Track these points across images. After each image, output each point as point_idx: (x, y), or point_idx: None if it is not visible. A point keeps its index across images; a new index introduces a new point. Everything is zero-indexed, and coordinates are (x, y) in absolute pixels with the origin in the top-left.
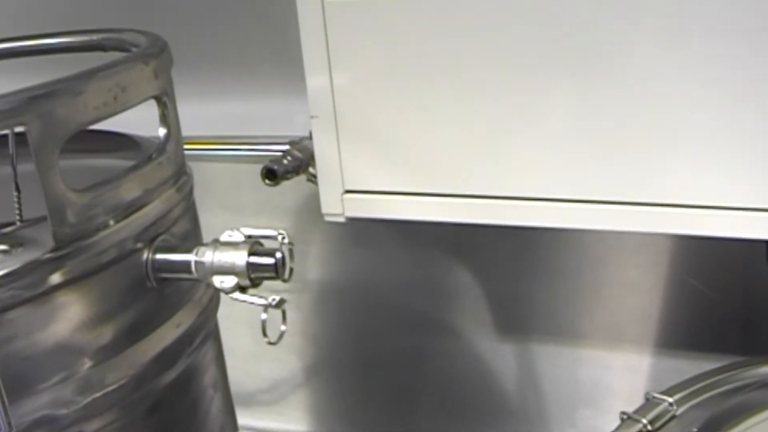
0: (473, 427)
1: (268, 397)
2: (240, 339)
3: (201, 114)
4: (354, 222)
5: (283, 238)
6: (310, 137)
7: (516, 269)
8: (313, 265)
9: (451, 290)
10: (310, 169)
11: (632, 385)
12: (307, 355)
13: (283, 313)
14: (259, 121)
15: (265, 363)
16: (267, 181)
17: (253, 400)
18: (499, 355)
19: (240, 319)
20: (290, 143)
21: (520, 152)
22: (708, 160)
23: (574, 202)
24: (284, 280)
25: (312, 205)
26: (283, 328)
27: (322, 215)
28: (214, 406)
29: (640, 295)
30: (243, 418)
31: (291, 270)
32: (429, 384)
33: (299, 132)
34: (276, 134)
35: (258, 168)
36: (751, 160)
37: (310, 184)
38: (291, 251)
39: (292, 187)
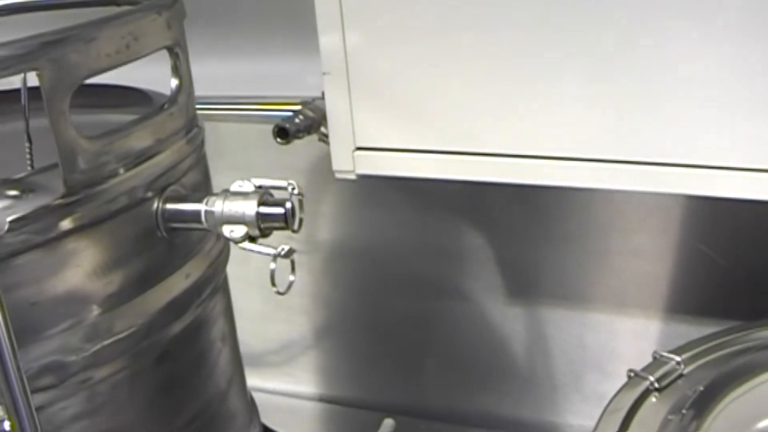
0: (480, 390)
1: (276, 359)
2: (250, 300)
3: (212, 74)
4: (365, 182)
5: (293, 188)
6: (323, 97)
7: (525, 233)
8: (323, 227)
9: (461, 253)
10: (322, 129)
11: (639, 350)
12: (316, 317)
13: (292, 263)
14: (270, 82)
15: (274, 324)
16: (278, 140)
17: (261, 361)
18: (508, 320)
19: (250, 280)
20: (302, 103)
21: (531, 110)
22: (721, 121)
23: (585, 161)
24: (294, 231)
25: (323, 166)
26: (291, 278)
27: (333, 176)
28: (222, 359)
29: (648, 260)
30: (251, 379)
31: (301, 221)
32: (437, 347)
33: (311, 92)
34: (287, 94)
35: (269, 128)
36: (765, 122)
37: (321, 145)
38: (301, 202)
39: (304, 148)
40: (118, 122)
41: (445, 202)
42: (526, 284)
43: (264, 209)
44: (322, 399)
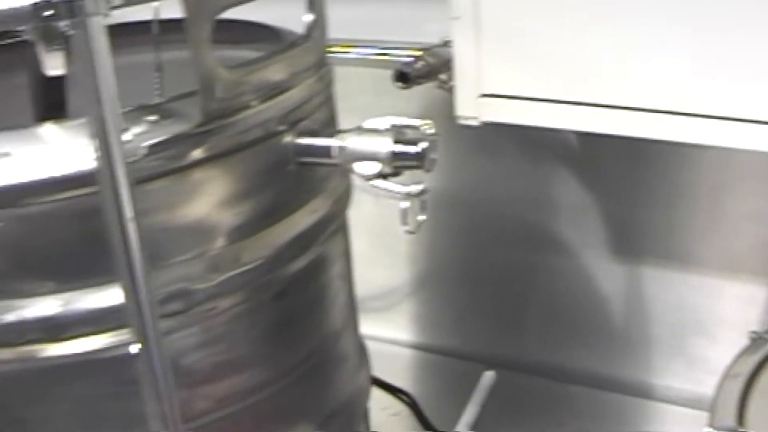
0: (580, 347)
1: (378, 304)
2: (357, 244)
3: (330, 17)
4: (476, 131)
5: (428, 128)
6: (442, 45)
7: (635, 191)
8: (432, 175)
9: (569, 207)
10: (441, 76)
11: (746, 316)
12: (421, 264)
13: (423, 203)
14: (388, 27)
15: (379, 270)
16: (399, 84)
17: (363, 307)
18: (611, 277)
19: (359, 224)
20: (422, 49)
21: (658, 64)
22: None
23: (704, 117)
24: (427, 170)
25: (436, 113)
26: (422, 217)
27: (444, 124)
28: (340, 299)
29: (761, 224)
30: None
31: (434, 161)
32: (539, 301)
33: (429, 39)
34: (405, 40)
35: (385, 73)
36: None
37: (435, 92)
38: (435, 142)
39: (418, 94)
40: (248, 58)
41: (557, 156)
42: (631, 242)
43: (399, 147)
44: (421, 347)
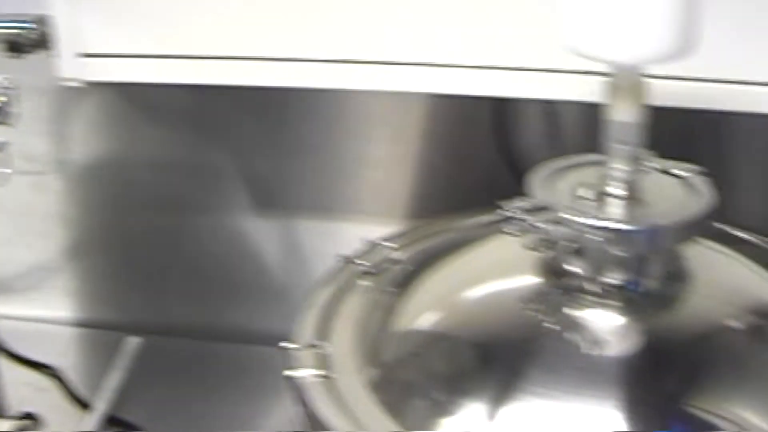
0: (226, 304)
1: (21, 284)
2: None
3: None
4: (108, 101)
5: (7, 82)
6: None
7: (267, 145)
8: (65, 146)
9: (205, 169)
10: None
11: None
12: (62, 239)
13: (8, 156)
14: None
15: (17, 248)
16: (10, 54)
17: (5, 288)
18: (260, 233)
19: None
20: (36, 19)
21: (267, 9)
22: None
23: (333, 62)
24: (8, 125)
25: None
26: (7, 170)
27: (65, 93)
28: None
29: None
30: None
31: (14, 115)
32: (181, 263)
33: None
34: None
35: None
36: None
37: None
38: (16, 97)
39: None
40: None
41: (178, 117)
42: (277, 197)
43: None
44: (72, 323)
